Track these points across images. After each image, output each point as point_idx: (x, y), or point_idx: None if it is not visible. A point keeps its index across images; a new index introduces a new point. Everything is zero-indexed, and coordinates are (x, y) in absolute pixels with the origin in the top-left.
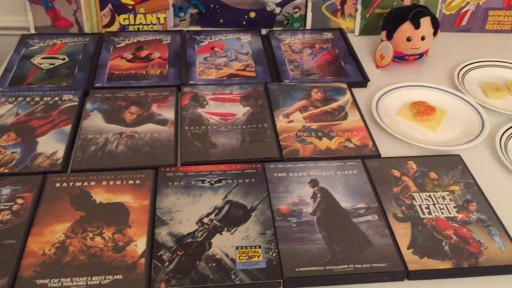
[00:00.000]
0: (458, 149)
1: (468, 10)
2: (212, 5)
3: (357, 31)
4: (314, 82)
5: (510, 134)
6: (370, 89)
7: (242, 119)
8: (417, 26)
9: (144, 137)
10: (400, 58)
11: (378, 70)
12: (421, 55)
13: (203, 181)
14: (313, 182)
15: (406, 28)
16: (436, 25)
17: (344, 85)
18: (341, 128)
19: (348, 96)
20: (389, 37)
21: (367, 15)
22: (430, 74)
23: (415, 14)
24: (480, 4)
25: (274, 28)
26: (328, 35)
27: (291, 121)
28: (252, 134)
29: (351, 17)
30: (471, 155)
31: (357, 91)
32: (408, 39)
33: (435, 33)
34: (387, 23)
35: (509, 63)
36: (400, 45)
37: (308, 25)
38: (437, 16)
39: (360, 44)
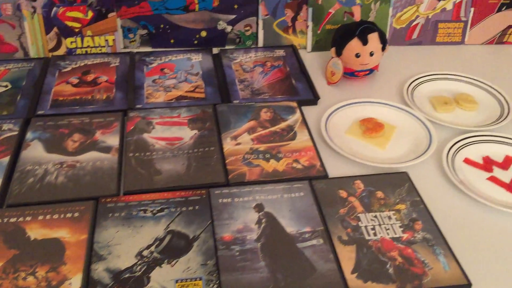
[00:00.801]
0: (405, 166)
1: (418, 23)
2: (161, 26)
3: (309, 48)
4: (264, 101)
5: (457, 149)
6: (321, 106)
7: (189, 143)
8: (364, 42)
9: (86, 166)
10: (350, 74)
11: (330, 87)
12: (371, 70)
13: (145, 211)
14: (259, 207)
15: (354, 44)
16: (384, 41)
17: (294, 104)
18: (289, 149)
19: (297, 115)
20: (338, 53)
21: (318, 31)
22: (382, 89)
23: (362, 31)
24: (430, 17)
25: (227, 47)
26: (280, 52)
27: (238, 144)
28: (198, 158)
29: (302, 34)
30: (419, 171)
31: (307, 109)
32: (357, 55)
33: (383, 49)
34: (335, 40)
35: (457, 75)
36: (349, 61)
37: (260, 42)
38: (387, 30)
39: (313, 61)
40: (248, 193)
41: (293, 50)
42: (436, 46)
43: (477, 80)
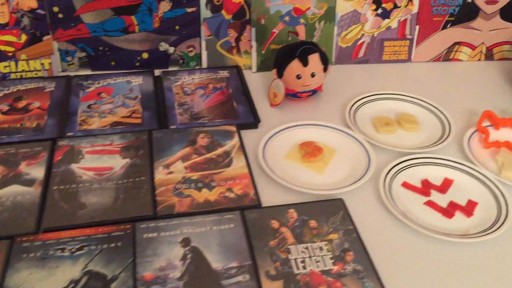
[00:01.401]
0: (341, 192)
1: (364, 42)
2: (101, 48)
3: (254, 68)
4: (202, 126)
5: (395, 172)
6: (262, 130)
7: (119, 173)
8: (305, 63)
9: (5, 202)
10: (293, 95)
11: (273, 109)
12: (314, 91)
13: (62, 250)
14: (185, 241)
15: (295, 65)
16: (325, 61)
17: (233, 128)
18: (224, 177)
19: (235, 140)
20: (280, 75)
21: (263, 51)
22: (325, 110)
23: (302, 52)
24: (375, 35)
25: (170, 68)
26: (224, 73)
27: (171, 172)
28: (127, 190)
29: (247, 54)
30: (355, 197)
31: (248, 133)
32: (298, 77)
33: (325, 69)
34: (276, 61)
35: (400, 95)
36: (291, 82)
37: (204, 63)
38: (333, 49)
39: (258, 81)
40: (175, 227)
41: (237, 71)
42: (383, 64)
43: (420, 99)
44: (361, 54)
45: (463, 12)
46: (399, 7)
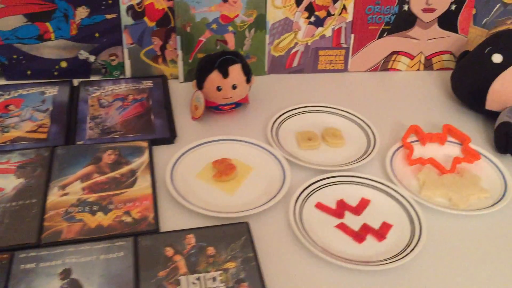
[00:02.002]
0: (249, 215)
1: (298, 51)
2: (15, 56)
3: (181, 78)
4: (112, 142)
5: (310, 192)
6: (178, 145)
7: (9, 194)
8: (225, 75)
9: None
10: (215, 108)
11: (194, 123)
12: (237, 104)
13: None
14: (65, 273)
15: (214, 77)
16: (247, 72)
17: (145, 144)
18: (124, 199)
19: (144, 157)
20: (200, 86)
21: (190, 61)
22: (250, 124)
23: (222, 63)
24: (309, 44)
25: (92, 78)
26: (148, 83)
27: (66, 194)
28: (13, 214)
29: (174, 63)
30: (264, 220)
31: (162, 150)
32: (218, 89)
33: (248, 80)
34: (196, 72)
35: (330, 107)
36: (211, 95)
37: (128, 73)
38: (265, 58)
39: (184, 92)
40: (58, 256)
41: (162, 81)
42: (319, 74)
43: (348, 112)
44: (295, 63)
45: (399, 20)
46: (333, 15)
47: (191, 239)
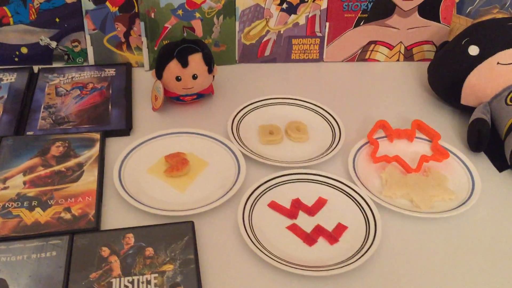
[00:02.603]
0: (197, 213)
1: (270, 39)
2: None
3: (146, 66)
4: (64, 133)
5: (264, 190)
6: (134, 137)
7: None
8: (184, 64)
9: None
10: (176, 99)
11: (154, 114)
12: (199, 95)
13: None
14: None
15: (173, 66)
16: (209, 62)
17: (97, 136)
18: (66, 194)
19: (95, 149)
20: (159, 76)
21: (155, 48)
22: (213, 116)
23: (181, 52)
24: (282, 32)
25: (54, 65)
26: (111, 71)
27: (6, 188)
28: None
29: (139, 50)
30: (212, 220)
31: (116, 142)
32: (178, 79)
33: (210, 70)
34: (156, 61)
35: (296, 99)
36: (171, 85)
37: (91, 60)
38: (236, 47)
39: (149, 81)
40: None
41: (126, 69)
42: (293, 64)
43: (316, 105)
44: (267, 52)
45: (377, 8)
46: (306, 1)
47: (130, 238)
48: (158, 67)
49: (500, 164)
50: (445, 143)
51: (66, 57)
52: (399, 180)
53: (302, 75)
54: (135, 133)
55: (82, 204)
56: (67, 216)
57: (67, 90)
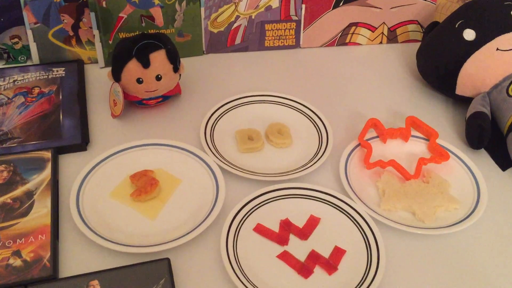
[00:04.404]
0: (172, 248)
1: (240, 25)
2: None
3: (101, 62)
4: (6, 153)
5: (247, 213)
6: (93, 153)
7: None
8: (145, 64)
9: None
10: (138, 102)
11: (115, 122)
12: (164, 97)
13: None
14: None
15: (133, 67)
16: (174, 59)
17: (47, 154)
18: (14, 233)
19: (46, 172)
20: (116, 78)
21: (110, 42)
22: (182, 120)
23: (140, 50)
24: (253, 17)
25: None
26: (60, 71)
27: None
28: None
29: (91, 44)
30: (190, 254)
31: (71, 160)
32: (139, 81)
33: (175, 69)
34: (112, 61)
35: (276, 97)
36: (131, 88)
37: (35, 58)
38: (203, 36)
39: (106, 79)
40: None
41: (78, 67)
42: (267, 52)
43: (297, 102)
44: (238, 40)
45: None
46: None
47: (95, 287)
48: (115, 68)
49: (503, 162)
50: (442, 140)
51: (5, 55)
52: (398, 189)
53: (278, 64)
54: (93, 147)
55: (34, 246)
56: (17, 262)
57: (8, 98)
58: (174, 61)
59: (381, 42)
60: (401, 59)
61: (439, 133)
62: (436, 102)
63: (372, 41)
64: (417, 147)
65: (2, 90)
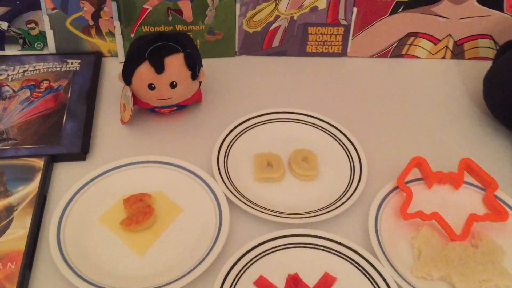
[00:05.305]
0: None
1: (280, 26)
2: None
3: (121, 57)
4: None
5: (249, 261)
6: (92, 164)
7: None
8: (159, 69)
9: None
10: (151, 110)
11: (122, 130)
12: (180, 106)
13: None
14: None
15: (145, 71)
16: (193, 65)
17: (40, 163)
18: None
19: (33, 185)
20: (127, 81)
21: (132, 35)
22: (200, 133)
23: (154, 52)
24: (295, 18)
25: (7, 51)
26: (75, 63)
27: None
28: None
29: (112, 36)
30: None
31: (66, 170)
32: (151, 87)
33: (194, 76)
34: (124, 61)
35: (309, 116)
36: (142, 93)
37: (51, 47)
38: (236, 35)
39: None
40: None
41: (95, 60)
42: (308, 59)
43: (333, 126)
44: (275, 43)
45: None
46: None
47: None
48: (126, 70)
49: None
50: (502, 193)
51: (21, 41)
52: (438, 252)
53: (319, 73)
54: (93, 156)
55: (2, 275)
56: None
57: (14, 91)
58: (193, 67)
59: (444, 57)
60: (466, 80)
61: (499, 183)
62: (501, 143)
63: (433, 55)
64: (469, 198)
65: (9, 81)
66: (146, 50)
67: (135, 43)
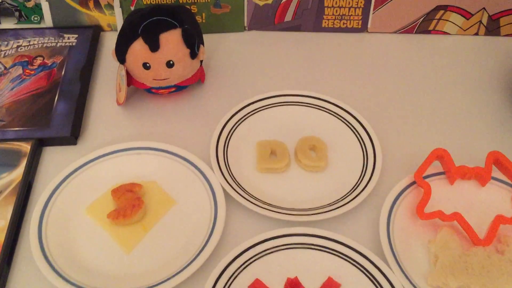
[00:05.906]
0: None
1: None
2: None
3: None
4: None
5: (245, 262)
6: (83, 149)
7: None
8: (153, 47)
9: None
10: (147, 91)
11: (117, 111)
12: (179, 87)
13: None
14: None
15: (138, 48)
16: (191, 42)
17: (26, 147)
18: None
19: (18, 171)
20: (121, 59)
21: (132, 7)
22: (200, 116)
23: (147, 28)
24: None
25: (3, 23)
26: (72, 38)
27: None
28: None
29: (111, 9)
30: None
31: (55, 155)
32: (146, 66)
33: (193, 55)
34: (117, 37)
35: (321, 100)
36: (137, 73)
37: (48, 20)
38: (245, 8)
39: None
40: None
41: (93, 35)
42: (324, 34)
43: (346, 112)
44: (288, 17)
45: None
46: None
47: None
48: (119, 48)
49: None
50: None
51: (17, 13)
52: (457, 258)
53: (335, 50)
54: (84, 140)
55: None
56: None
57: (5, 68)
58: (192, 44)
59: (476, 33)
60: (501, 60)
61: None
62: None
63: (464, 31)
64: (497, 196)
65: (2, 56)
66: (140, 26)
67: (128, 17)
